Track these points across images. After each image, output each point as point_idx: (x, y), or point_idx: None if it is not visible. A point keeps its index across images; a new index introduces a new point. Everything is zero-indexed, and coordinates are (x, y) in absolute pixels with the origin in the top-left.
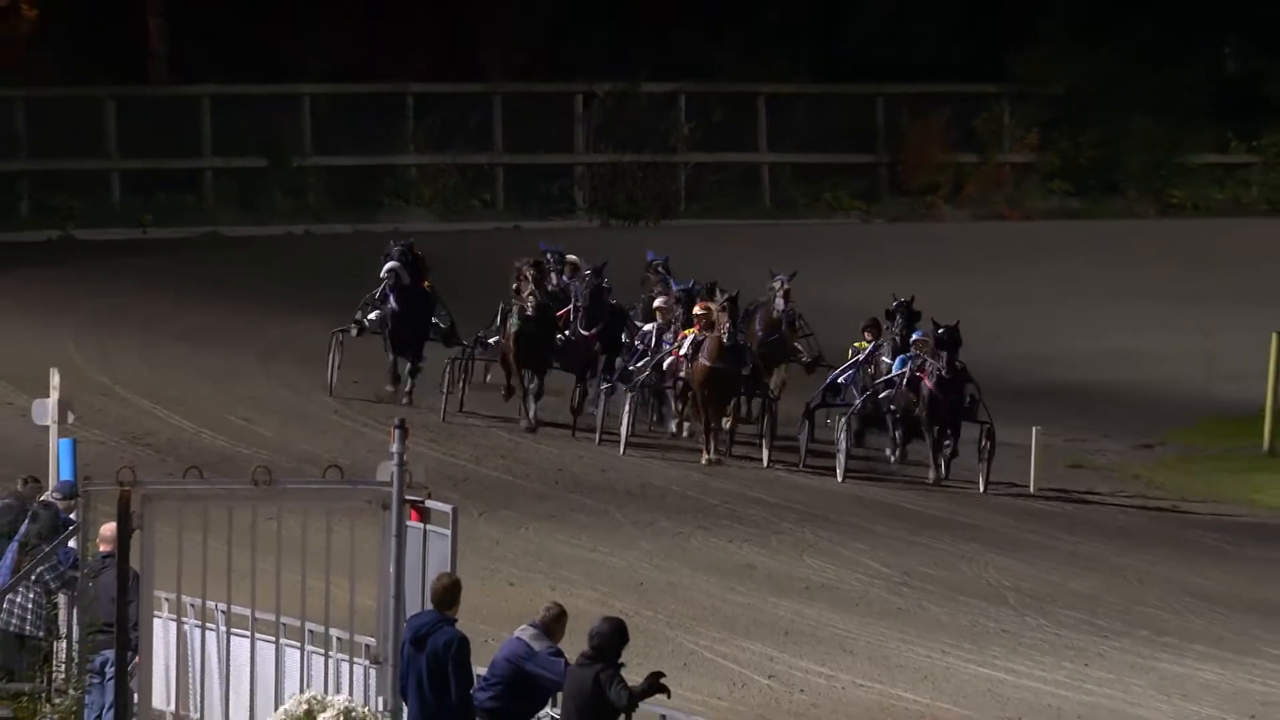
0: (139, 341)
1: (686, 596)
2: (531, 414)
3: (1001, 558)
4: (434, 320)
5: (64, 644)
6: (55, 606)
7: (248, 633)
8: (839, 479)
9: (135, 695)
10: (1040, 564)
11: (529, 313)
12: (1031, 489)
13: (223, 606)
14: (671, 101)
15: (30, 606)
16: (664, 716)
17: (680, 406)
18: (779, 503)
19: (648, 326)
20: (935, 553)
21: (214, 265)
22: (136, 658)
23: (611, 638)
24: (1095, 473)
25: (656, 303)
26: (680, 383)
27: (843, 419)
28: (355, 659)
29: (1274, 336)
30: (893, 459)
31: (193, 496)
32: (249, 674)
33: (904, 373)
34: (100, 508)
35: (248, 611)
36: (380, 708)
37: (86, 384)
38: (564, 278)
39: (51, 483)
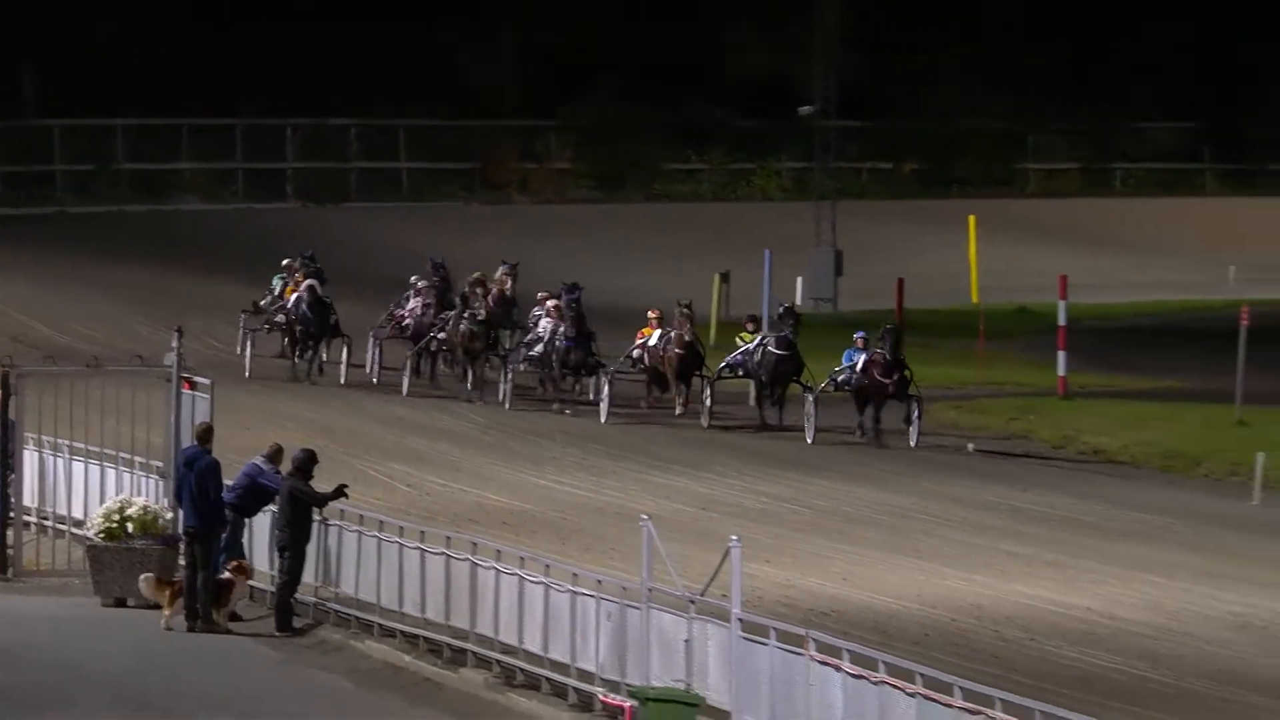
0: (21, 280)
1: (360, 437)
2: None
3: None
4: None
5: None
6: None
7: (84, 460)
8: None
9: (12, 498)
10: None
11: (479, 317)
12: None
13: (68, 443)
14: (346, 130)
15: None
16: (344, 511)
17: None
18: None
19: (544, 322)
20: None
21: (64, 233)
22: (13, 474)
23: (306, 461)
24: None
25: (550, 303)
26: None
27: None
28: (150, 475)
29: (715, 277)
30: (858, 432)
31: (49, 375)
32: (84, 486)
33: (855, 362)
34: None
35: (85, 446)
36: (164, 506)
37: None
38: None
39: None
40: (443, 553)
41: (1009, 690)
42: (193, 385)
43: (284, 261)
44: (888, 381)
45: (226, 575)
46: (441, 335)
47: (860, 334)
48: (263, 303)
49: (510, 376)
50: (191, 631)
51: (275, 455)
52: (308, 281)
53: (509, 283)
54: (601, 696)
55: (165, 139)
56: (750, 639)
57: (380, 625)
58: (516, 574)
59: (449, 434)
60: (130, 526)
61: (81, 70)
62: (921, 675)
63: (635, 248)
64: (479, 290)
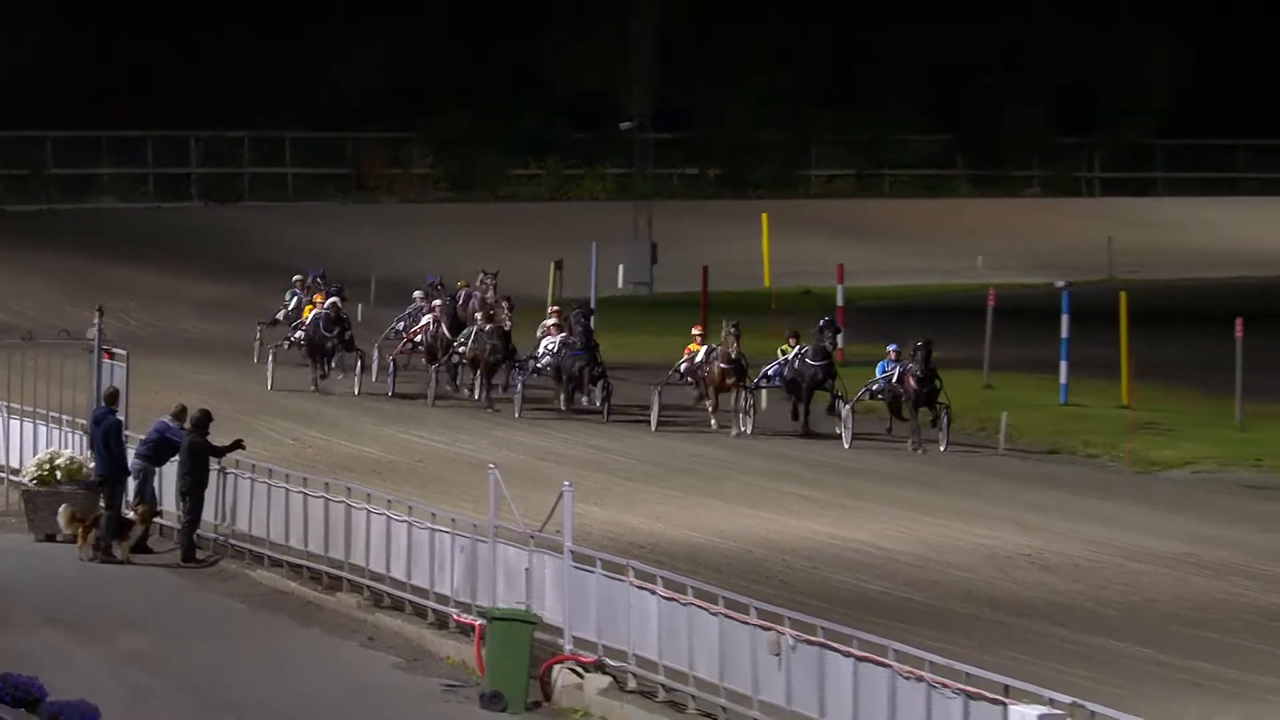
0: None
1: (251, 398)
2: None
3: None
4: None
5: None
6: None
7: (19, 418)
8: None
9: None
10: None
11: (505, 329)
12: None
13: (5, 404)
14: (241, 141)
15: None
16: (239, 460)
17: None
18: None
19: (546, 340)
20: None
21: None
22: None
23: (203, 419)
24: None
25: (550, 321)
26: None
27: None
28: (76, 431)
29: (551, 265)
30: (888, 432)
31: None
32: (19, 440)
33: (889, 373)
34: None
35: (19, 405)
36: (88, 457)
37: None
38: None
39: None
40: (322, 496)
41: (796, 610)
42: (111, 355)
43: (295, 278)
44: (921, 389)
45: (130, 515)
46: (462, 349)
47: (893, 346)
48: (279, 316)
49: (520, 388)
50: (92, 561)
51: (180, 414)
52: (331, 299)
53: (490, 291)
54: (455, 616)
55: (87, 148)
56: (580, 568)
57: (270, 557)
58: (384, 514)
59: (331, 398)
60: (59, 474)
61: (12, 91)
62: (723, 597)
63: (484, 241)
64: (504, 304)
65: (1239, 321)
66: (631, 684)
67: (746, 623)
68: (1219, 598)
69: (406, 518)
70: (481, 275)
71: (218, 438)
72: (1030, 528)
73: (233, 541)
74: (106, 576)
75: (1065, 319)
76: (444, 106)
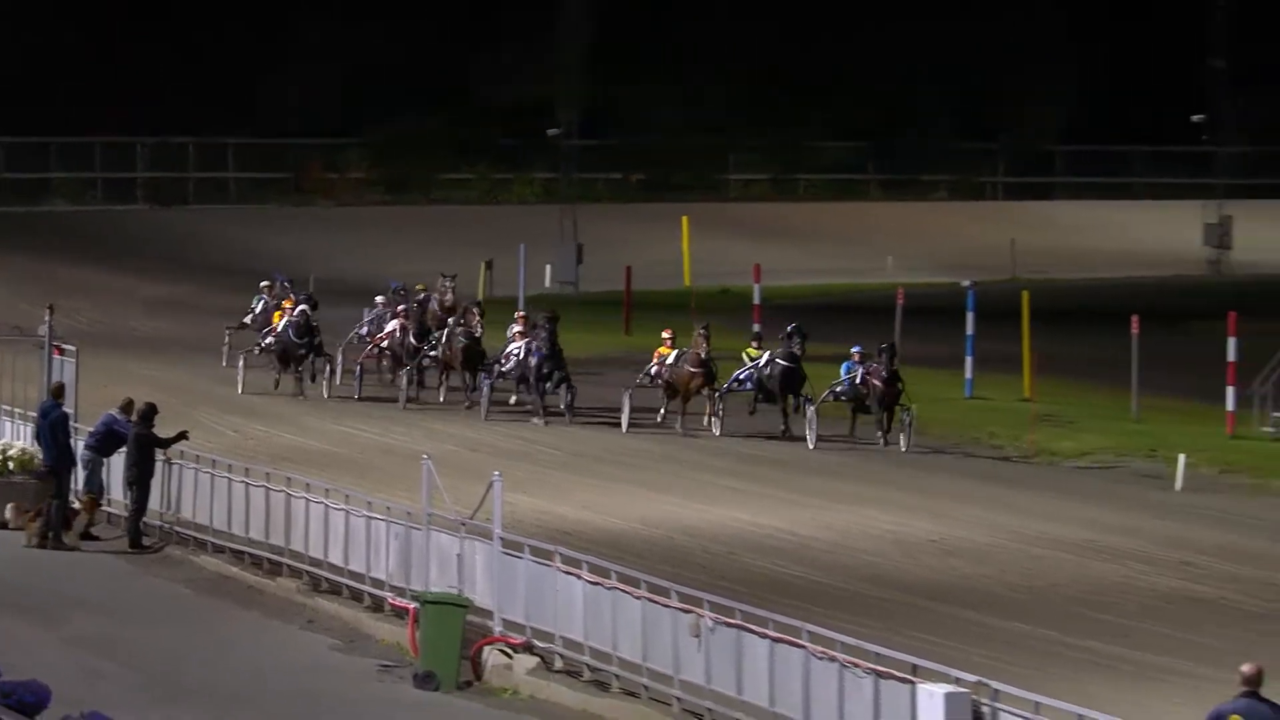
0: None
1: (198, 392)
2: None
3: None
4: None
5: None
6: None
7: None
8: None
9: None
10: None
11: (476, 334)
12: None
13: None
14: (186, 146)
15: None
16: (184, 451)
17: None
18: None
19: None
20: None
21: None
22: None
23: (149, 412)
24: None
25: (517, 328)
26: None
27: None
28: (28, 423)
29: (482, 265)
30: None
31: None
32: None
33: (854, 374)
34: None
35: None
36: (36, 448)
37: None
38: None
39: None
40: (263, 485)
41: (715, 593)
42: (61, 351)
43: (262, 284)
44: (890, 389)
45: (76, 505)
46: (434, 353)
47: (857, 348)
48: (246, 320)
49: (487, 390)
50: (41, 548)
51: (127, 407)
52: (301, 306)
53: (449, 294)
54: (390, 599)
55: (38, 153)
56: (509, 554)
57: (213, 544)
58: (322, 502)
59: (274, 391)
60: (11, 465)
61: None
62: (645, 582)
63: (418, 242)
64: (475, 310)
65: (1135, 319)
66: (558, 664)
67: (668, 606)
68: (1117, 581)
69: (344, 506)
70: (441, 278)
71: (164, 430)
72: (937, 515)
73: (178, 529)
74: (56, 563)
75: (970, 317)
76: (380, 115)
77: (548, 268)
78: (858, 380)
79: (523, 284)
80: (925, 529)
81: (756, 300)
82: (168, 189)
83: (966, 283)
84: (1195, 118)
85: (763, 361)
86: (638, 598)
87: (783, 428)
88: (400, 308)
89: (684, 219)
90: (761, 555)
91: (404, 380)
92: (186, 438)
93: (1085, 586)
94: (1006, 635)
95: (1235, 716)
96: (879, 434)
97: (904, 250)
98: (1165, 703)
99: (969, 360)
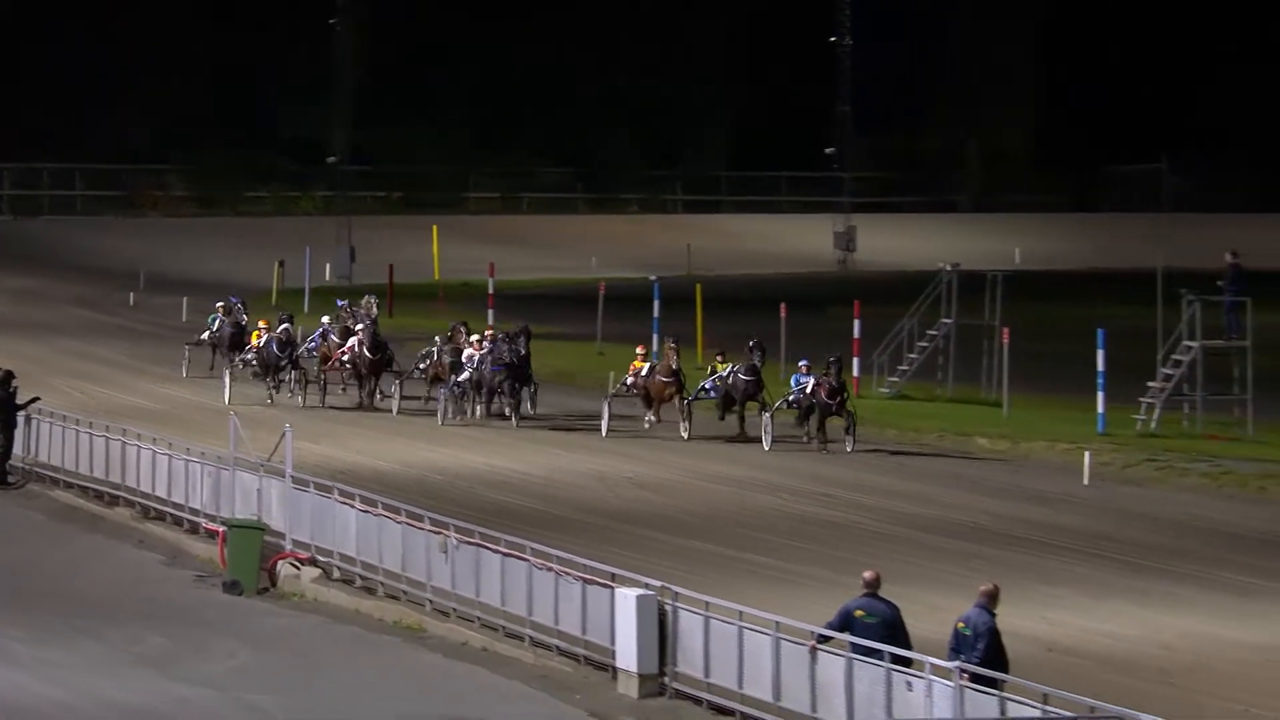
0: None
1: (46, 362)
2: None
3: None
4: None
5: None
6: None
7: None
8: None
9: None
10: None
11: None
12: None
13: None
14: (41, 171)
15: None
16: (41, 409)
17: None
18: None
19: (467, 353)
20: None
21: None
22: None
23: (6, 377)
24: None
25: (475, 337)
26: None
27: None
28: None
29: (276, 264)
30: (805, 439)
31: None
32: None
33: (804, 384)
34: None
35: None
36: None
37: None
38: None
39: None
40: (104, 435)
41: (459, 519)
42: None
43: (218, 304)
44: (832, 401)
45: None
46: (423, 366)
47: (804, 361)
48: (203, 336)
49: (443, 398)
50: None
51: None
52: (283, 325)
53: (374, 309)
54: (204, 525)
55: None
56: (298, 489)
57: (64, 480)
58: (151, 448)
59: (112, 362)
60: None
61: None
62: (405, 509)
63: (226, 246)
64: (461, 328)
65: (783, 306)
66: (336, 574)
67: (422, 529)
68: (772, 509)
69: (168, 451)
70: (367, 298)
71: (22, 394)
72: (631, 457)
73: (36, 469)
74: None
75: (657, 304)
76: (196, 146)
77: (328, 265)
78: (808, 390)
79: (308, 279)
80: (621, 469)
81: (490, 291)
82: (27, 204)
83: (653, 278)
84: (828, 150)
85: (726, 373)
86: (398, 522)
87: (739, 430)
88: (358, 326)
89: (434, 228)
90: (495, 489)
91: (360, 389)
92: (38, 400)
93: (747, 513)
94: (685, 551)
95: (860, 610)
96: (815, 437)
97: (605, 253)
98: (804, 601)
99: (655, 337)
